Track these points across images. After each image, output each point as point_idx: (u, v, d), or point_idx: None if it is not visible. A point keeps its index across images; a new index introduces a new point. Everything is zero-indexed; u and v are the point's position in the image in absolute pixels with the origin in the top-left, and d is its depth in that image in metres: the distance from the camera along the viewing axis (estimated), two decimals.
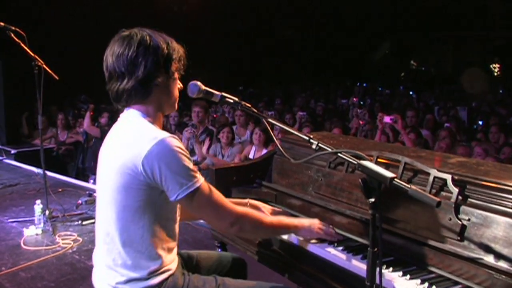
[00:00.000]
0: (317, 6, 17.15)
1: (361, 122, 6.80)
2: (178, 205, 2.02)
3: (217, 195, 1.94)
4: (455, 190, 1.98)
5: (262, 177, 2.87)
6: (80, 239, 4.40)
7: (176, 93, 2.03)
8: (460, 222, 1.93)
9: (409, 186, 1.44)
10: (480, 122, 7.76)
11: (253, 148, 6.55)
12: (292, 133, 1.89)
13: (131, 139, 1.88)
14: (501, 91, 15.51)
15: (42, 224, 4.61)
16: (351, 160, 1.64)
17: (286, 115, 8.46)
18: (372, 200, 1.54)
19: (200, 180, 1.87)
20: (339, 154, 1.68)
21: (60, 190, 5.95)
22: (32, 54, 4.63)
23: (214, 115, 9.07)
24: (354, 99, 9.80)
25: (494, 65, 21.32)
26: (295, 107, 10.32)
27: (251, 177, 2.84)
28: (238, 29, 15.36)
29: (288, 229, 2.25)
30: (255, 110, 2.06)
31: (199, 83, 2.09)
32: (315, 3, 17.06)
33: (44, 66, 4.65)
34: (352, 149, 2.50)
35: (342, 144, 2.65)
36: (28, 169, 7.15)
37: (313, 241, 2.25)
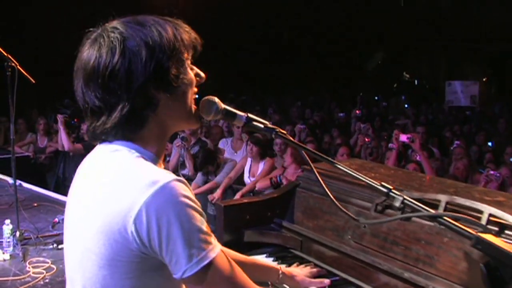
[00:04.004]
0: (311, 14, 16.81)
1: (366, 140, 6.28)
2: None
3: (237, 270, 1.32)
4: None
5: (281, 216, 2.28)
6: (54, 267, 3.78)
7: (189, 100, 1.37)
8: None
9: None
10: (490, 144, 7.28)
11: (249, 160, 6.04)
12: (356, 178, 1.29)
13: (117, 185, 1.25)
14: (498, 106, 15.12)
15: (11, 248, 4.06)
16: (464, 232, 1.04)
17: (286, 127, 7.88)
18: None
19: (216, 249, 1.26)
20: (440, 219, 1.08)
21: (35, 204, 5.35)
22: (5, 54, 4.10)
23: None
24: (357, 111, 9.24)
25: (484, 79, 21.05)
26: (291, 118, 9.80)
27: (268, 216, 2.26)
28: (229, 34, 14.91)
29: None
30: (293, 139, 1.47)
31: (216, 99, 1.44)
32: (309, 11, 16.70)
33: (19, 67, 4.12)
34: (402, 186, 1.96)
35: (388, 180, 2.05)
36: (2, 179, 6.50)
37: None
